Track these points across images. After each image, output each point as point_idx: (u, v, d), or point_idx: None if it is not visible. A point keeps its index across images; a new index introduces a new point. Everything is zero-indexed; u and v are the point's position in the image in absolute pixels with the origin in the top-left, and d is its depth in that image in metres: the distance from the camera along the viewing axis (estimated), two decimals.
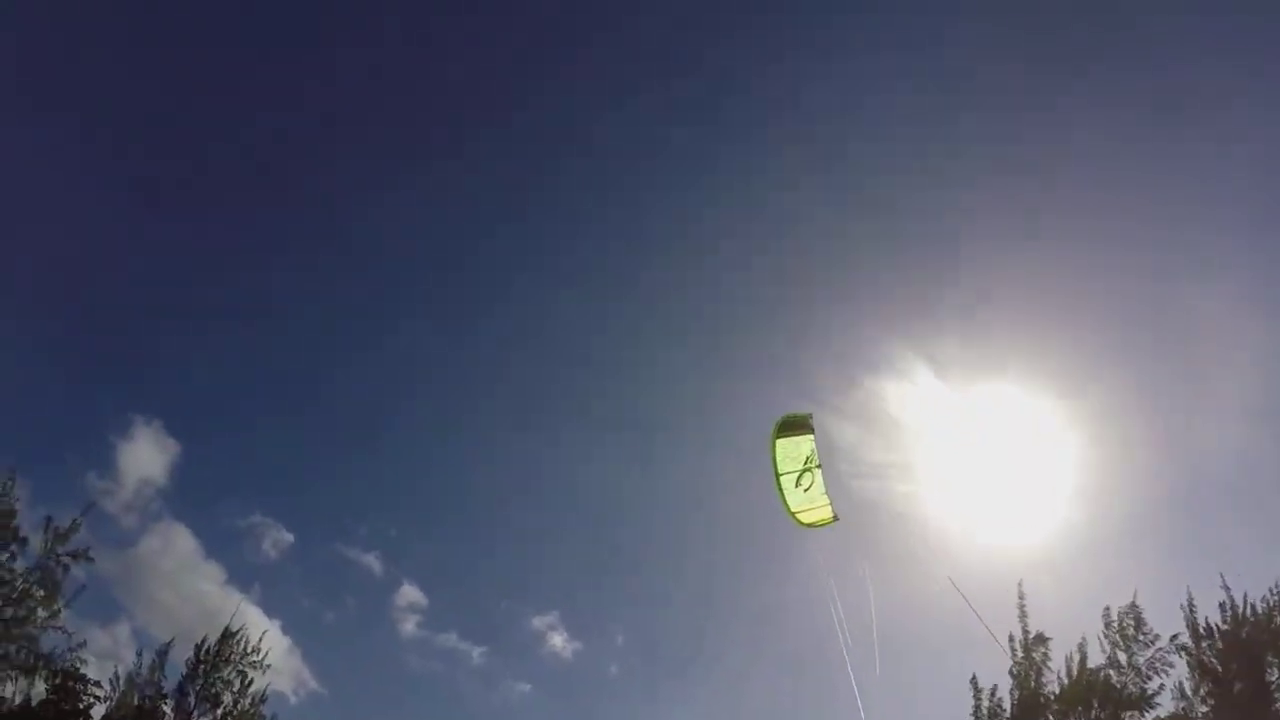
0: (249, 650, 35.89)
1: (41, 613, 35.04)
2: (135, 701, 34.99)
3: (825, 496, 12.11)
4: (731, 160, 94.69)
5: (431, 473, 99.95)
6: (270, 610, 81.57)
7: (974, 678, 37.55)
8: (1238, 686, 35.40)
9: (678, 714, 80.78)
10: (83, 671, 36.09)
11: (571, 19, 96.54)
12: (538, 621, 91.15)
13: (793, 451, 11.84)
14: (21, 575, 34.86)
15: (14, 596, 35.03)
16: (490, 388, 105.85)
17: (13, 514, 34.92)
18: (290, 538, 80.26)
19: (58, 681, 35.89)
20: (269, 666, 37.13)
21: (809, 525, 12.03)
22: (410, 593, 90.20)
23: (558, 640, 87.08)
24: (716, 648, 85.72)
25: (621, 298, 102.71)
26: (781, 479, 11.85)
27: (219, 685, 34.93)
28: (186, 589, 66.77)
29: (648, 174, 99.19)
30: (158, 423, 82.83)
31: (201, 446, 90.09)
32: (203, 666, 34.85)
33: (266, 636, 38.03)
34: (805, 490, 11.92)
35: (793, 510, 11.98)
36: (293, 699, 52.43)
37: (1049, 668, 36.81)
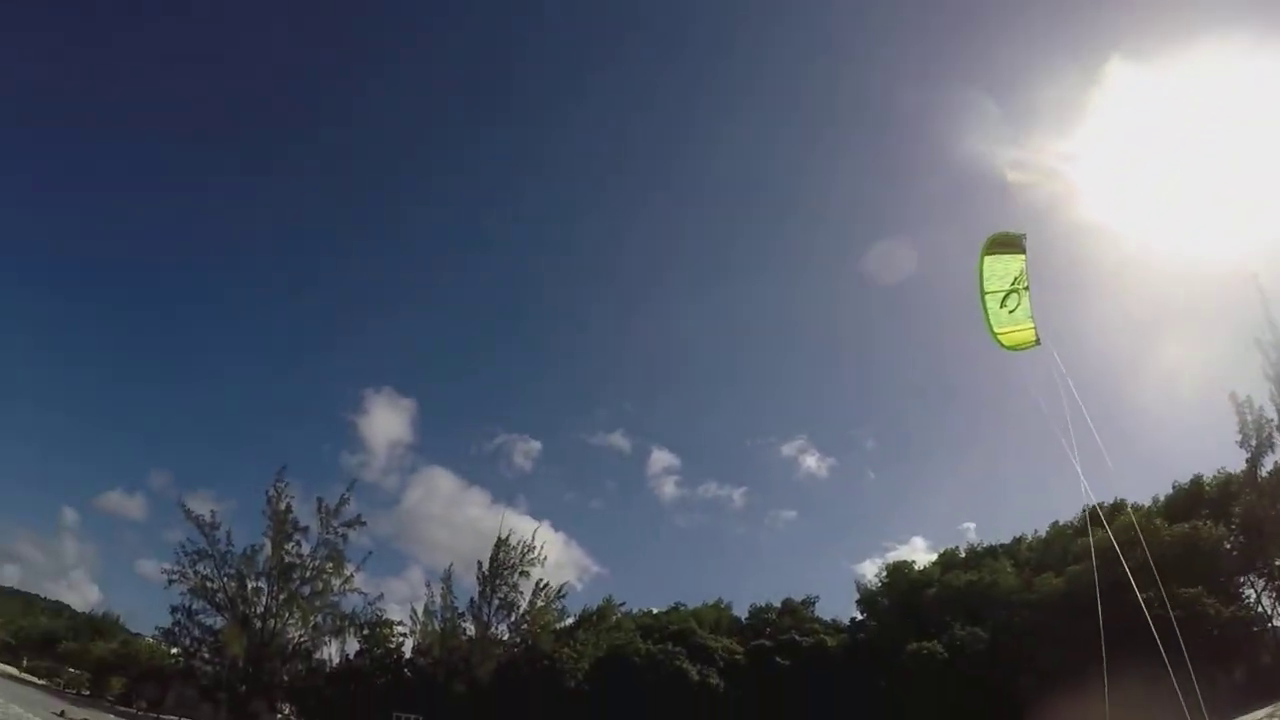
0: (525, 551, 40.11)
1: (335, 581, 41.19)
2: (436, 627, 40.58)
3: (1030, 320, 11.29)
4: None
5: (648, 338, 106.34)
6: (539, 513, 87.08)
7: (1233, 394, 36.13)
8: None
9: (936, 503, 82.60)
10: (385, 618, 42.35)
11: None
12: (787, 449, 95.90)
13: (1000, 270, 11.15)
14: (310, 555, 41.22)
15: (308, 576, 41.46)
16: (684, 242, 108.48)
17: (288, 510, 40.97)
18: (537, 445, 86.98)
19: (365, 633, 42.94)
20: (545, 559, 40.62)
21: (1011, 347, 11.39)
22: (662, 457, 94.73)
23: (811, 461, 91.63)
24: (958, 429, 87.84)
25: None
26: (986, 298, 11.17)
27: (505, 591, 39.68)
28: (459, 520, 72.42)
29: None
30: (387, 388, 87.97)
31: (434, 393, 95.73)
32: (487, 580, 39.95)
33: (538, 535, 41.27)
34: (1010, 311, 11.24)
35: (995, 331, 11.25)
36: (578, 585, 58.27)
37: None
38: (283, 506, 40.34)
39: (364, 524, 41.01)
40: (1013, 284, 11.28)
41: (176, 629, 42.67)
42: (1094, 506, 44.81)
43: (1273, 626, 37.61)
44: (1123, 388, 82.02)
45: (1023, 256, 11.36)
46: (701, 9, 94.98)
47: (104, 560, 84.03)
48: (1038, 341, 11.46)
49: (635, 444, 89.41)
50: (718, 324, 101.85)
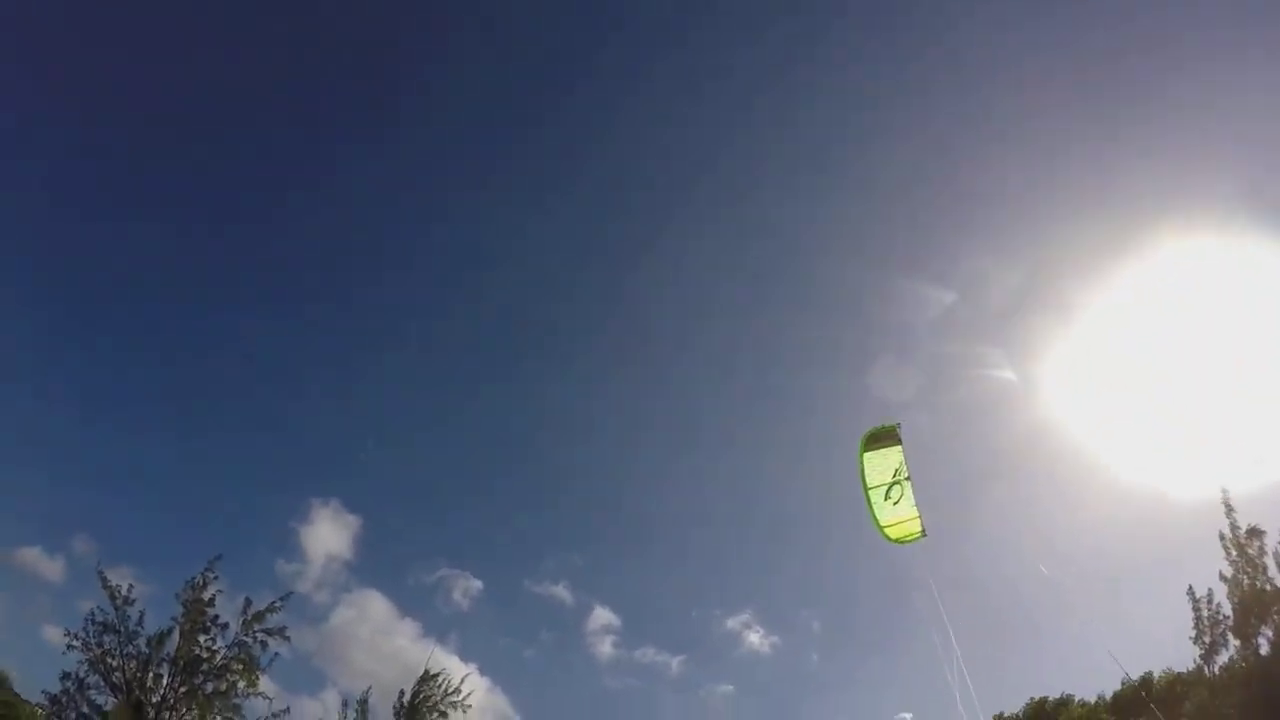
0: (449, 691, 37.66)
1: (241, 684, 38.82)
2: None
3: (914, 510, 11.53)
4: None
5: (608, 500, 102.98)
6: (468, 655, 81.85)
7: (1190, 588, 35.40)
8: None
9: (884, 695, 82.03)
10: None
11: None
12: (732, 622, 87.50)
13: (880, 464, 11.41)
14: (221, 653, 38.65)
15: (213, 672, 38.90)
16: (649, 414, 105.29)
17: (210, 602, 38.56)
18: (479, 584, 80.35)
19: None
20: (469, 707, 38.54)
21: (897, 540, 11.63)
22: (603, 615, 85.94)
23: (754, 638, 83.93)
24: (910, 624, 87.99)
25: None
26: (871, 493, 11.43)
27: None
28: (385, 649, 68.31)
29: None
30: (335, 501, 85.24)
31: (380, 515, 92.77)
32: (404, 712, 38.16)
33: (468, 679, 39.06)
34: (894, 504, 11.54)
35: (881, 524, 11.45)
36: None
37: (1267, 562, 33.75)
38: (204, 596, 37.89)
39: (287, 638, 38.51)
40: (894, 476, 11.51)
41: (64, 698, 39.53)
42: (1040, 700, 44.25)
43: None
44: (1076, 584, 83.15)
45: (899, 447, 11.57)
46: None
47: (9, 617, 79.13)
48: (923, 533, 11.57)
49: (579, 599, 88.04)
50: (679, 493, 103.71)
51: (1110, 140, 77.87)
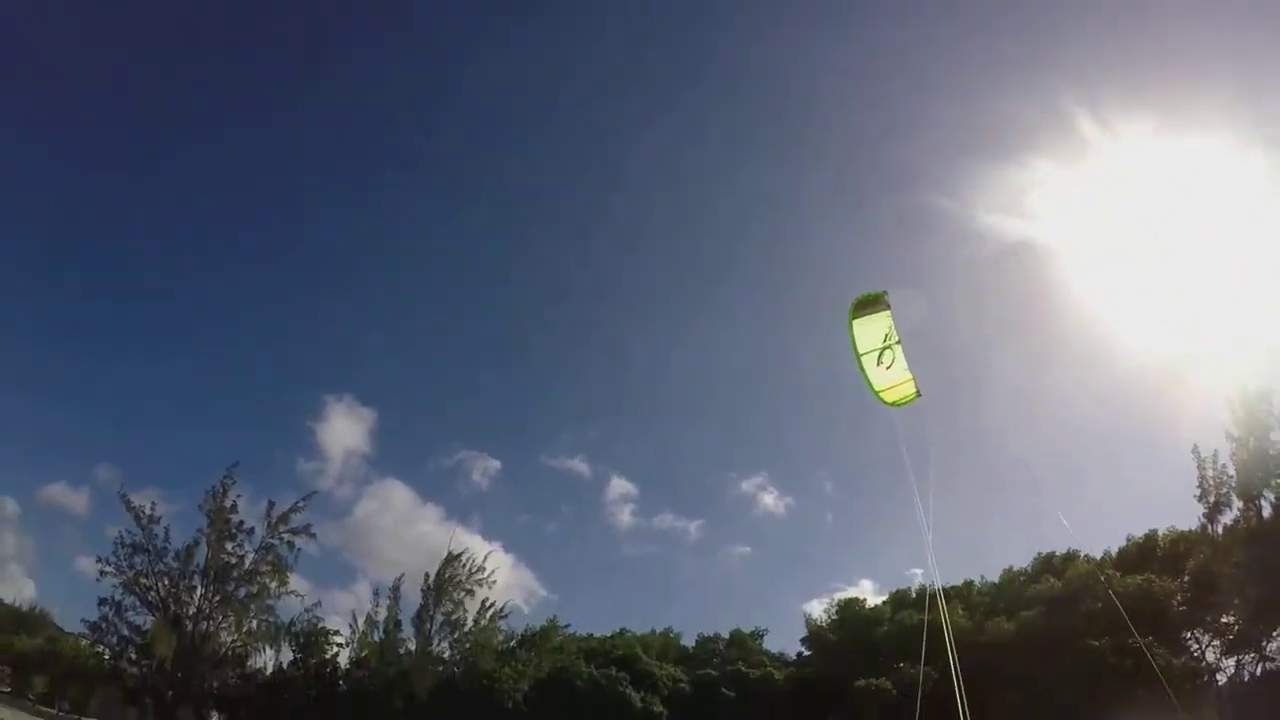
0: (474, 570, 38.97)
1: (273, 585, 40.09)
2: (376, 639, 39.46)
3: (908, 373, 11.61)
4: None
5: (619, 368, 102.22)
6: (491, 534, 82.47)
7: (1195, 447, 35.90)
8: None
9: (887, 548, 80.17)
10: (323, 626, 40.81)
11: None
12: (747, 485, 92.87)
13: (870, 331, 11.44)
14: (250, 558, 39.71)
15: (244, 578, 39.96)
16: (653, 275, 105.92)
17: (233, 509, 39.49)
18: (496, 464, 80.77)
19: (301, 641, 41.42)
20: (494, 582, 39.61)
21: (893, 404, 11.63)
22: (620, 485, 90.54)
23: (769, 499, 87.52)
24: (916, 478, 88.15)
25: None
26: (863, 359, 11.42)
27: (450, 607, 38.42)
28: (410, 536, 69.11)
29: None
30: (349, 396, 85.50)
31: (394, 405, 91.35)
32: (432, 594, 38.96)
33: (487, 553, 40.42)
34: (887, 368, 11.50)
35: (876, 389, 11.54)
36: (525, 608, 56.60)
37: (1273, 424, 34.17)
38: (227, 504, 38.84)
39: (313, 535, 39.66)
40: (884, 341, 11.55)
41: (104, 624, 40.68)
42: (1047, 554, 44.95)
43: (1218, 680, 37.79)
44: (1086, 444, 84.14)
45: (888, 313, 11.64)
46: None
47: (41, 555, 79.96)
48: (918, 394, 11.79)
49: (595, 470, 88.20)
50: (693, 358, 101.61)
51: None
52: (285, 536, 39.20)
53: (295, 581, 39.80)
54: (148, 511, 39.49)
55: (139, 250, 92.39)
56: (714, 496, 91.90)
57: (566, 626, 41.84)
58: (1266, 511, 36.35)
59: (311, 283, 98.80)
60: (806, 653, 42.49)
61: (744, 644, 44.00)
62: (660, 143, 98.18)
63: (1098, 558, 42.10)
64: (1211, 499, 37.22)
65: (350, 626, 40.28)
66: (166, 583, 39.68)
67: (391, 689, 38.68)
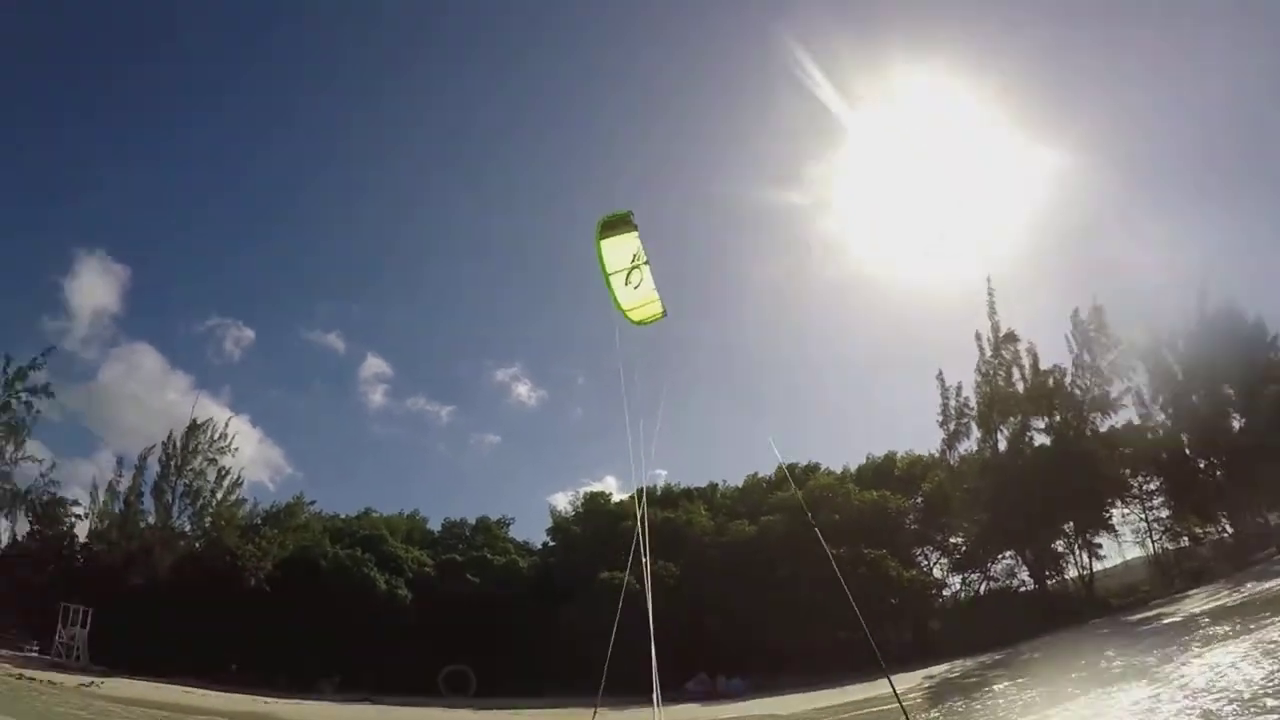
0: (215, 438, 38.39)
1: (9, 449, 38.14)
2: (117, 509, 38.35)
3: (655, 293, 11.84)
4: None
5: (386, 246, 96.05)
6: (240, 407, 79.16)
7: (940, 374, 38.67)
8: (1195, 398, 35.02)
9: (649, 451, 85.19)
10: (61, 496, 38.79)
11: None
12: (501, 374, 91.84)
13: (618, 250, 11.52)
14: None
15: None
16: (412, 149, 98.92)
17: None
18: (250, 333, 77.64)
19: (37, 511, 39.50)
20: (235, 449, 39.09)
21: (640, 322, 11.80)
22: (375, 364, 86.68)
23: (522, 390, 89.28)
24: (688, 381, 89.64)
25: None
26: (611, 278, 11.52)
27: (191, 477, 37.75)
28: (157, 404, 65.59)
29: None
30: (101, 251, 79.80)
31: (150, 264, 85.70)
32: (173, 461, 37.74)
33: (233, 425, 39.68)
34: (635, 288, 11.66)
35: (624, 308, 11.67)
36: (270, 486, 54.21)
37: (1019, 367, 37.44)
38: None
39: (52, 395, 37.57)
40: (632, 261, 11.66)
41: None
42: (790, 465, 46.86)
43: (942, 594, 40.19)
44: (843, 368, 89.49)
45: (635, 233, 11.74)
46: None
47: None
48: (665, 313, 12.03)
49: (351, 347, 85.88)
50: (458, 240, 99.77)
51: None
52: (23, 396, 37.23)
53: (33, 447, 37.94)
54: None
55: None
56: (468, 383, 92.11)
57: (313, 504, 41.27)
58: (1002, 445, 38.98)
59: (73, 124, 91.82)
60: (551, 543, 43.02)
61: (490, 531, 44.36)
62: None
63: (838, 472, 44.54)
64: (952, 426, 39.78)
65: (90, 496, 38.66)
66: None
67: (131, 563, 37.43)
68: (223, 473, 37.99)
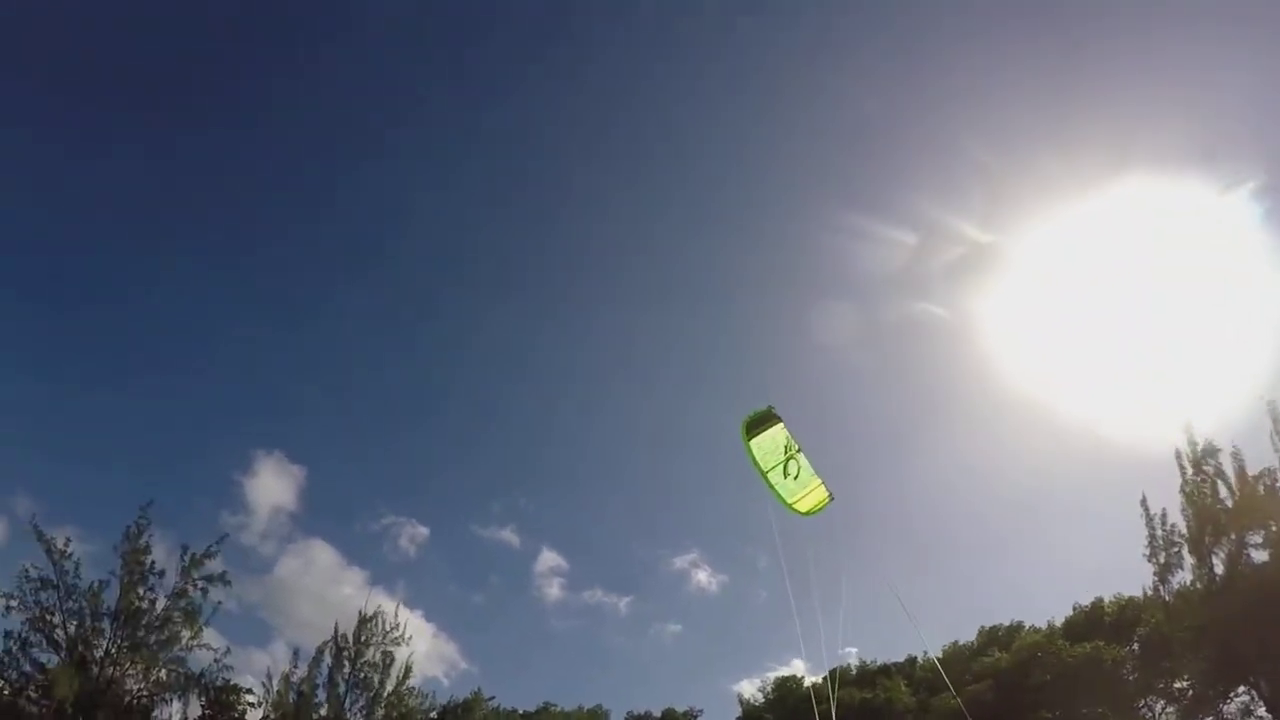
0: (388, 629, 37.29)
1: (185, 634, 38.00)
2: (290, 699, 37.81)
3: (816, 478, 11.66)
4: None
5: (553, 440, 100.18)
6: (415, 602, 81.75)
7: (1144, 499, 33.82)
8: None
9: (819, 627, 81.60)
10: (235, 684, 38.74)
11: None
12: (679, 561, 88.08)
13: (769, 446, 11.38)
14: (162, 604, 37.61)
15: (155, 624, 37.86)
16: (584, 351, 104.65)
17: (146, 549, 37.57)
18: (425, 530, 78.18)
19: (210, 695, 39.19)
20: (410, 639, 37.94)
21: (809, 512, 11.58)
22: (550, 558, 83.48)
23: (702, 576, 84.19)
24: (865, 551, 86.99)
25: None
26: (769, 475, 11.35)
27: (365, 669, 36.73)
28: (333, 598, 67.43)
29: None
30: (279, 452, 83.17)
31: (325, 464, 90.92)
32: (345, 652, 37.09)
33: (408, 620, 38.38)
34: (795, 479, 11.45)
35: (789, 503, 11.45)
36: (445, 681, 53.62)
37: (1223, 481, 32.99)
38: (141, 544, 36.81)
39: (228, 582, 37.63)
40: (785, 453, 11.48)
41: (4, 658, 38.42)
42: (992, 627, 43.41)
43: None
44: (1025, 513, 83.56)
45: (781, 424, 11.58)
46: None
47: None
48: (830, 497, 11.75)
49: (525, 541, 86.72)
50: (623, 429, 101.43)
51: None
52: (200, 583, 37.15)
53: (209, 635, 37.78)
54: (60, 546, 37.47)
55: (70, 264, 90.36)
56: (646, 572, 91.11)
57: (492, 699, 39.75)
58: (1219, 569, 34.96)
59: (251, 328, 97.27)
60: None
61: None
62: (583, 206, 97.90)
63: (1043, 628, 41.11)
64: (1162, 558, 35.81)
65: (264, 685, 38.08)
66: (75, 623, 37.63)
67: None
68: (392, 664, 37.02)
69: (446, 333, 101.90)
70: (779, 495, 11.37)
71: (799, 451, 11.54)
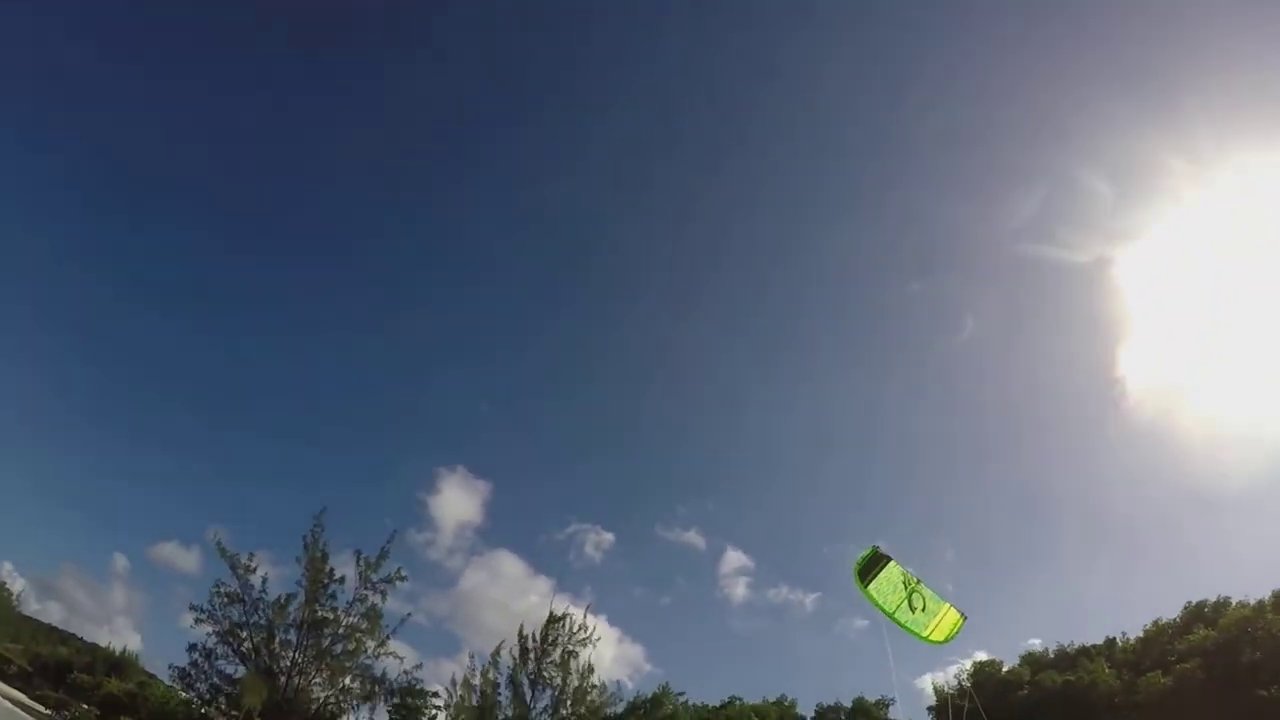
0: (575, 629, 36.73)
1: (370, 643, 38.49)
2: (473, 701, 38.01)
3: (943, 603, 11.51)
4: None
5: (739, 442, 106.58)
6: (601, 608, 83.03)
7: None
8: None
9: (1017, 614, 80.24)
10: (420, 688, 39.16)
11: None
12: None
13: (887, 587, 11.40)
14: (344, 611, 38.23)
15: (340, 633, 38.48)
16: (739, 342, 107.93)
17: (324, 558, 38.23)
18: (610, 536, 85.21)
19: (396, 700, 39.64)
20: (598, 638, 37.29)
21: (945, 640, 11.43)
22: (735, 558, 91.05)
23: None
24: (1048, 543, 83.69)
25: None
26: (896, 615, 11.28)
27: (550, 670, 36.49)
28: (519, 607, 69.62)
29: None
30: (461, 468, 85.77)
31: (508, 477, 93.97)
32: (532, 653, 37.08)
33: (593, 622, 37.26)
34: (922, 610, 11.35)
35: (925, 636, 11.35)
36: (629, 684, 53.96)
37: None
38: (319, 552, 37.50)
39: (404, 578, 38.21)
40: (906, 588, 11.49)
41: (193, 671, 39.47)
42: (1198, 604, 41.17)
43: None
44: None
45: (892, 562, 11.59)
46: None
47: (150, 610, 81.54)
48: (964, 617, 11.48)
49: (710, 543, 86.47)
50: (803, 427, 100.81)
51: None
52: (379, 586, 37.64)
53: (402, 650, 38.24)
54: (244, 561, 38.45)
55: (256, 307, 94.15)
56: (831, 568, 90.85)
57: (681, 695, 39.14)
58: None
59: (427, 355, 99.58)
60: None
61: (869, 713, 40.50)
62: (764, 210, 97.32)
63: (1251, 603, 38.64)
64: None
65: (448, 689, 38.25)
66: (261, 634, 38.49)
67: None
68: (581, 664, 36.66)
69: (623, 343, 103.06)
70: (912, 632, 11.35)
71: (919, 583, 11.41)
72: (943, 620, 11.44)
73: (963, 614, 11.44)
